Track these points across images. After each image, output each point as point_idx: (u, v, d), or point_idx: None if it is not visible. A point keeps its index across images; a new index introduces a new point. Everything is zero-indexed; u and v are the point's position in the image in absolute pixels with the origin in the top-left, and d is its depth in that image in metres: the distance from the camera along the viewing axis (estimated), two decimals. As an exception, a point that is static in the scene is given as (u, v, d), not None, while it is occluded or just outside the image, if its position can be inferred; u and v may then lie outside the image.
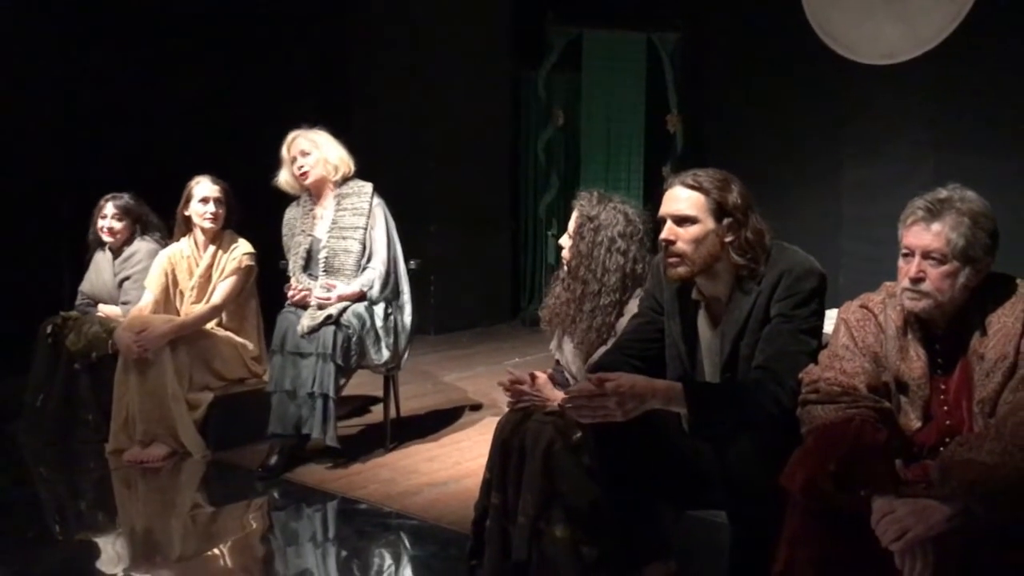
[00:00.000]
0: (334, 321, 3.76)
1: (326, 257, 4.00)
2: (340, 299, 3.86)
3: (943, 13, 5.70)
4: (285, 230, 4.19)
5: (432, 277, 6.58)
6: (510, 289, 7.53)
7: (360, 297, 3.90)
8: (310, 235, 4.05)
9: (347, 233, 3.99)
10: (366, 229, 3.99)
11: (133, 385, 3.93)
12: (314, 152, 3.99)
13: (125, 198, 4.43)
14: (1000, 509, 1.78)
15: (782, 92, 6.53)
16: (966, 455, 1.86)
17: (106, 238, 4.41)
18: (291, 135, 4.05)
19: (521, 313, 7.30)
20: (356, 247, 3.97)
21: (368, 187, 4.06)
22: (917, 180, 5.44)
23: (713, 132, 7.02)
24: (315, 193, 4.08)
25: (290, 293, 3.97)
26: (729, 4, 6.80)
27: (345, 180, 4.06)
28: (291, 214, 4.18)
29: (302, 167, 3.99)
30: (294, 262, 4.05)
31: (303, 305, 3.91)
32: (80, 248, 4.63)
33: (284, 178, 4.09)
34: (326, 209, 4.06)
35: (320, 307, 3.84)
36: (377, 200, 4.05)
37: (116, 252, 4.44)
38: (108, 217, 4.39)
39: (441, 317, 6.83)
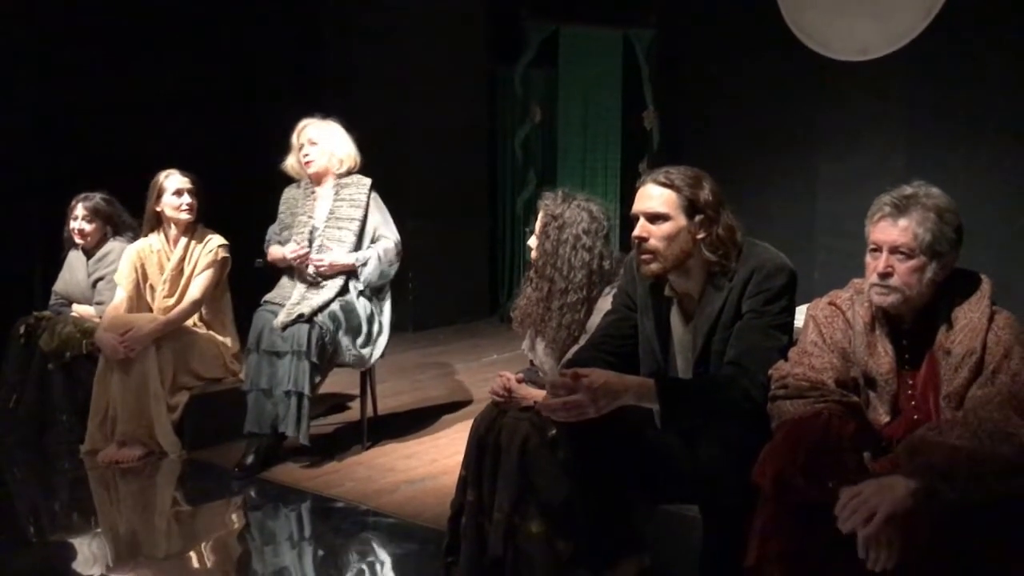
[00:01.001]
0: (307, 320, 3.76)
1: (319, 246, 4.00)
2: (332, 267, 3.87)
3: (915, 10, 5.74)
4: (283, 208, 4.18)
5: (410, 274, 6.57)
6: (488, 286, 7.54)
7: (351, 272, 3.90)
8: (311, 218, 4.06)
9: (342, 224, 4.00)
10: (362, 222, 4.00)
11: (116, 385, 3.90)
12: (321, 143, 4.02)
13: (96, 199, 4.39)
14: (963, 489, 1.80)
15: (757, 88, 6.56)
16: (935, 438, 1.90)
17: (77, 239, 4.38)
18: (303, 122, 4.07)
19: (499, 310, 7.31)
20: (350, 239, 3.98)
21: (367, 182, 4.08)
22: (890, 175, 5.49)
23: (689, 128, 7.03)
24: (315, 181, 4.09)
25: (291, 253, 3.93)
26: (704, 1, 6.83)
27: (348, 173, 4.07)
28: (292, 193, 4.18)
29: (307, 155, 4.01)
30: (298, 240, 4.02)
31: (300, 272, 3.89)
32: (53, 248, 4.59)
33: (290, 163, 4.11)
34: (324, 198, 4.07)
35: (316, 277, 3.86)
36: (375, 195, 4.09)
37: (90, 252, 4.40)
38: (79, 219, 4.36)
39: (419, 314, 6.83)
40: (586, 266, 2.88)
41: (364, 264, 3.94)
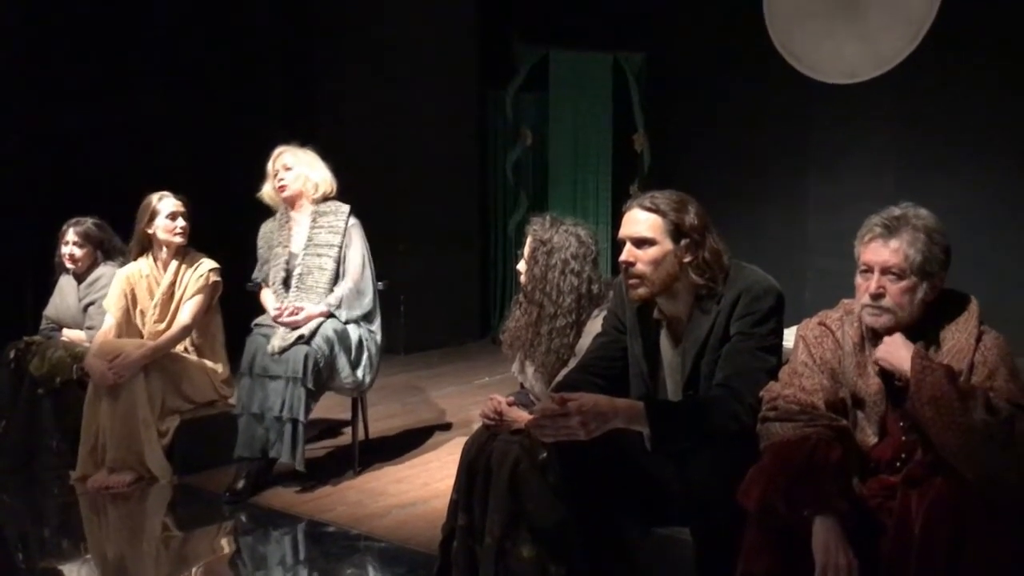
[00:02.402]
0: (306, 341, 3.76)
1: (300, 273, 4.00)
2: (308, 319, 3.85)
3: (902, 33, 5.82)
4: (261, 243, 4.20)
5: (401, 297, 6.57)
6: (479, 308, 7.55)
7: (327, 316, 3.90)
8: (287, 247, 4.06)
9: (322, 251, 4.00)
10: (341, 247, 4.00)
11: (104, 411, 3.88)
12: (296, 168, 4.03)
13: (87, 223, 4.39)
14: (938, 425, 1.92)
15: (746, 110, 6.62)
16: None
17: (68, 264, 4.37)
18: (277, 150, 4.09)
19: (491, 332, 7.31)
20: (330, 265, 3.98)
21: (345, 208, 4.08)
22: (879, 196, 5.52)
23: (679, 150, 7.09)
24: (291, 207, 4.10)
25: (275, 312, 3.88)
26: (694, 24, 6.89)
27: (325, 199, 4.07)
28: (268, 227, 4.19)
29: (282, 180, 4.03)
30: (275, 273, 4.05)
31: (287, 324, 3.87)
32: (43, 272, 4.58)
33: (267, 191, 4.13)
34: (301, 225, 4.07)
35: (294, 328, 3.83)
36: (353, 221, 4.07)
37: (80, 277, 4.39)
38: (70, 243, 4.35)
39: (410, 336, 6.82)
40: (575, 291, 2.90)
41: (338, 306, 3.94)
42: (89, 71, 5.98)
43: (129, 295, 4.13)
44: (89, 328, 4.27)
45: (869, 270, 2.15)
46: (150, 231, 4.11)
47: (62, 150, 5.90)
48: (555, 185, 7.17)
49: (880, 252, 2.13)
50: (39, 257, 4.71)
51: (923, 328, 2.14)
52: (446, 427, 4.84)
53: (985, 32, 5.59)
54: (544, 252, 2.94)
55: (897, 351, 2.08)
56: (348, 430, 4.31)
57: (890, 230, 2.13)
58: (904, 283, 2.11)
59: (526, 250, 3.00)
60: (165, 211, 4.09)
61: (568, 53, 7.09)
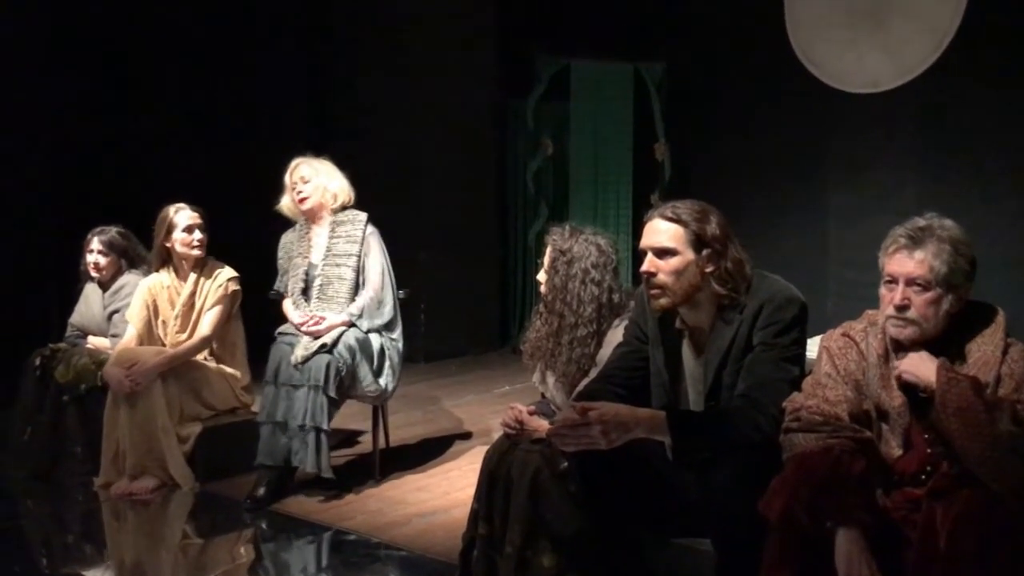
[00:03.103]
0: (328, 350, 3.77)
1: (321, 284, 4.02)
2: (330, 329, 3.87)
3: (925, 43, 5.78)
4: (281, 253, 4.22)
5: (421, 306, 6.61)
6: (499, 317, 7.55)
7: (348, 325, 3.91)
8: (307, 258, 4.09)
9: (340, 260, 4.02)
10: (359, 257, 4.02)
11: (123, 418, 3.91)
12: (314, 179, 4.05)
13: (111, 232, 4.43)
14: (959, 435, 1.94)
15: (768, 120, 6.59)
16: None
17: (92, 273, 4.42)
18: (294, 162, 4.11)
19: (511, 341, 7.31)
20: (350, 275, 4.00)
21: (362, 216, 4.10)
22: (901, 206, 5.50)
23: (700, 160, 7.07)
24: (311, 219, 4.12)
25: (299, 320, 3.92)
26: (715, 34, 6.88)
27: (343, 208, 4.09)
28: (287, 238, 4.22)
29: (301, 192, 4.04)
30: (294, 284, 4.08)
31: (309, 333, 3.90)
32: (69, 280, 4.63)
33: (285, 203, 4.14)
34: (320, 236, 4.09)
35: (316, 337, 3.85)
36: (371, 229, 4.08)
37: (105, 285, 4.44)
38: (94, 252, 4.39)
39: (430, 345, 6.84)
40: (595, 300, 2.88)
41: (359, 316, 3.95)
42: (111, 83, 6.05)
43: (151, 306, 4.15)
44: (113, 336, 4.31)
45: (894, 281, 2.13)
46: (168, 244, 4.13)
47: (87, 161, 5.97)
48: (575, 195, 7.16)
49: (905, 263, 2.11)
50: (65, 265, 4.75)
51: (948, 340, 2.12)
52: (466, 436, 4.84)
53: (1009, 41, 5.54)
54: (564, 262, 2.93)
55: (922, 363, 2.07)
56: (368, 438, 4.32)
57: (915, 241, 2.11)
58: (929, 295, 2.09)
59: (546, 260, 2.99)
60: (182, 224, 4.11)
61: (589, 63, 7.09)
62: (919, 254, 2.10)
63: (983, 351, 2.09)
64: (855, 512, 1.91)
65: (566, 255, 2.93)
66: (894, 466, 2.10)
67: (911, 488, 2.06)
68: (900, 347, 2.15)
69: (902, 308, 2.10)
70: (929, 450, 2.08)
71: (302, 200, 4.05)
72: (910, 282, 2.10)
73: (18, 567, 3.30)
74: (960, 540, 1.84)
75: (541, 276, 3.03)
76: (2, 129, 5.70)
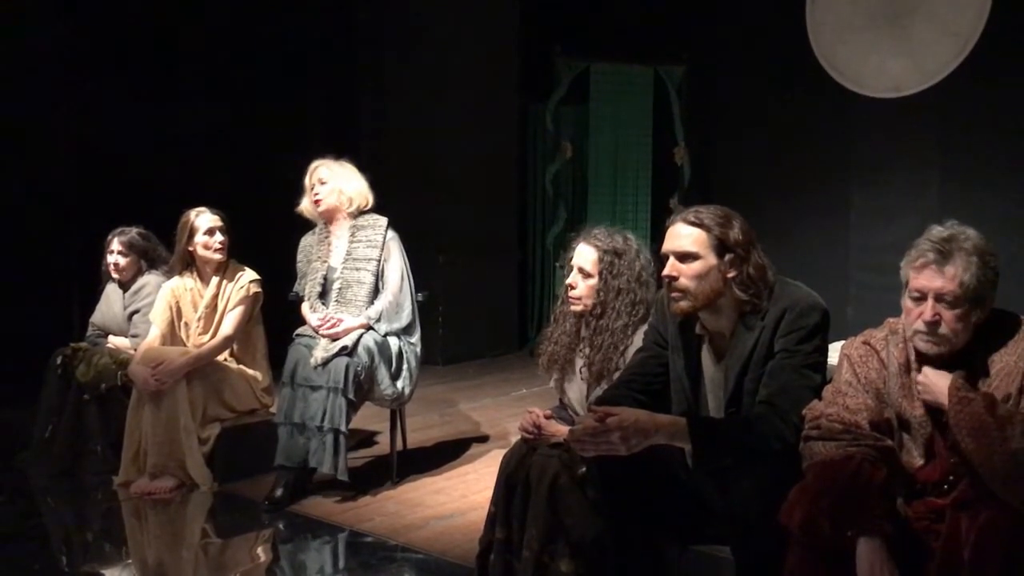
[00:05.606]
0: (348, 352, 3.78)
1: (339, 288, 4.03)
2: (348, 332, 3.88)
3: (948, 48, 5.74)
4: (300, 256, 4.24)
5: (440, 308, 6.61)
6: (517, 320, 7.56)
7: (366, 328, 3.92)
8: (326, 262, 4.10)
9: (360, 265, 4.03)
10: (379, 262, 4.03)
11: (147, 417, 3.93)
12: (331, 182, 4.06)
13: (131, 233, 4.46)
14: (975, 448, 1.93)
15: (789, 124, 6.56)
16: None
17: (112, 273, 4.45)
18: (314, 164, 4.13)
19: (528, 344, 7.31)
20: (369, 279, 4.01)
21: (383, 221, 4.10)
22: (923, 211, 5.47)
23: (720, 164, 7.05)
24: (328, 221, 4.13)
25: (317, 322, 3.94)
26: (735, 38, 6.86)
27: (361, 213, 4.10)
28: (307, 241, 4.24)
29: (317, 194, 4.06)
30: (311, 288, 4.09)
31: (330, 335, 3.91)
32: (90, 280, 4.66)
33: (305, 205, 4.16)
34: (340, 239, 4.11)
35: (334, 339, 3.86)
36: (392, 234, 4.09)
37: (125, 286, 4.47)
38: (114, 252, 4.43)
39: (448, 348, 6.85)
40: (644, 301, 2.84)
41: (378, 320, 3.96)
42: (134, 86, 6.09)
43: (174, 307, 4.18)
44: (133, 336, 4.34)
45: (922, 297, 2.09)
46: (190, 248, 4.15)
47: (108, 162, 6.01)
48: (594, 198, 7.15)
49: (935, 279, 2.07)
50: (86, 266, 4.79)
51: (971, 351, 2.10)
52: (483, 439, 4.84)
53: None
54: (618, 263, 2.88)
55: (936, 383, 2.05)
56: (385, 440, 4.33)
57: (944, 255, 2.07)
58: (959, 310, 2.06)
59: (588, 263, 2.92)
60: (203, 227, 4.12)
61: (609, 66, 7.09)
62: (950, 269, 2.05)
63: (1006, 361, 2.06)
64: (877, 521, 1.89)
65: (621, 256, 2.89)
66: (916, 475, 2.08)
67: (933, 498, 2.04)
68: (921, 357, 2.13)
69: (934, 324, 2.07)
70: (952, 460, 2.05)
71: (317, 202, 4.07)
72: (939, 298, 2.06)
73: (38, 564, 3.33)
74: (985, 551, 1.82)
75: (576, 279, 2.94)
76: (27, 131, 5.75)
